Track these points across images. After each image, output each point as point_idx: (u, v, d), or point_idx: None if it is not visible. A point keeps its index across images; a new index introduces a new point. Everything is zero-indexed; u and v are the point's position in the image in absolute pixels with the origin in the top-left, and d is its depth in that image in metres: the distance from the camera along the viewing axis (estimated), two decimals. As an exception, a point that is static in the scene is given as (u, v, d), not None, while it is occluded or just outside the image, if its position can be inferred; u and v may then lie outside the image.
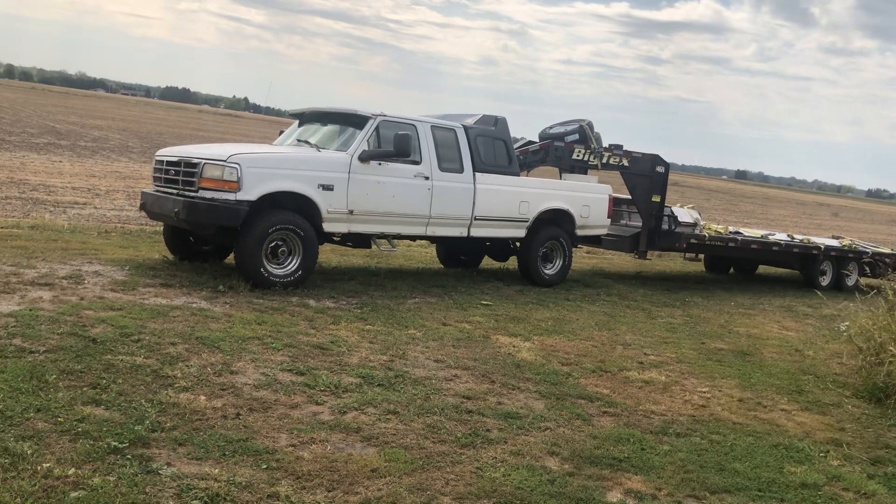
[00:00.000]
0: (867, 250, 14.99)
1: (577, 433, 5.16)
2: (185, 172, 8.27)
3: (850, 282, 14.47)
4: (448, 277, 10.51)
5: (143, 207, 9.09)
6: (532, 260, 10.70)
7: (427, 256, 12.46)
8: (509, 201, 10.28)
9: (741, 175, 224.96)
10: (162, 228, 9.80)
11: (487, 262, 12.05)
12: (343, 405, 5.08)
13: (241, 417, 4.67)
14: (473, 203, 9.87)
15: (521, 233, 10.61)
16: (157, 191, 8.82)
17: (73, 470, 3.72)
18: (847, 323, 8.10)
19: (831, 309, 11.23)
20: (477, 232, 10.10)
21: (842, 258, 14.64)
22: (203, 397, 4.90)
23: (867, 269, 14.28)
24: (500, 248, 11.44)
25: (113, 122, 45.34)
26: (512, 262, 11.56)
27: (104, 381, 4.89)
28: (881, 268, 12.44)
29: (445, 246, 11.60)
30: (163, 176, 8.70)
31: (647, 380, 6.70)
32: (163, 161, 8.78)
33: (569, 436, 5.09)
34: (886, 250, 15.70)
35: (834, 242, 15.24)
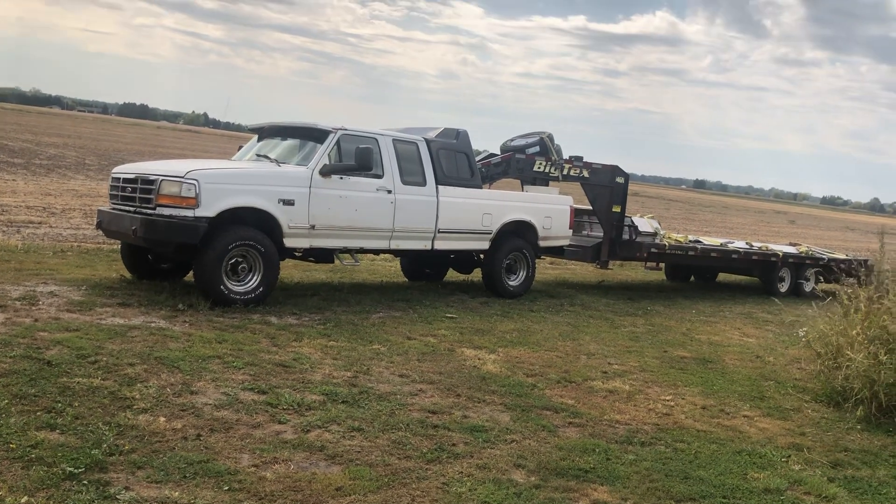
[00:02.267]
0: (823, 257, 15.31)
1: (542, 445, 5.15)
2: (143, 189, 8.13)
3: (808, 288, 14.73)
4: (412, 291, 10.47)
5: (99, 226, 8.92)
6: (496, 272, 10.72)
7: (391, 270, 12.42)
8: (472, 214, 10.30)
9: (700, 184, 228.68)
10: (119, 247, 9.63)
11: (452, 274, 12.04)
12: (306, 423, 5.02)
13: (201, 438, 4.58)
14: (437, 216, 9.86)
15: (485, 245, 10.63)
16: (114, 208, 8.66)
17: (25, 498, 3.60)
18: (805, 328, 8.24)
19: (790, 315, 11.43)
20: (441, 245, 10.10)
21: (799, 265, 14.92)
22: (162, 418, 4.79)
23: (824, 275, 14.58)
24: (464, 260, 11.44)
25: (69, 140, 44.53)
26: (476, 275, 11.56)
27: (59, 405, 4.77)
28: (837, 273, 12.70)
29: (409, 259, 11.57)
30: (119, 193, 8.55)
31: (612, 389, 6.73)
32: (119, 178, 8.62)
33: (535, 448, 5.08)
34: (841, 256, 16.04)
35: (791, 249, 15.53)
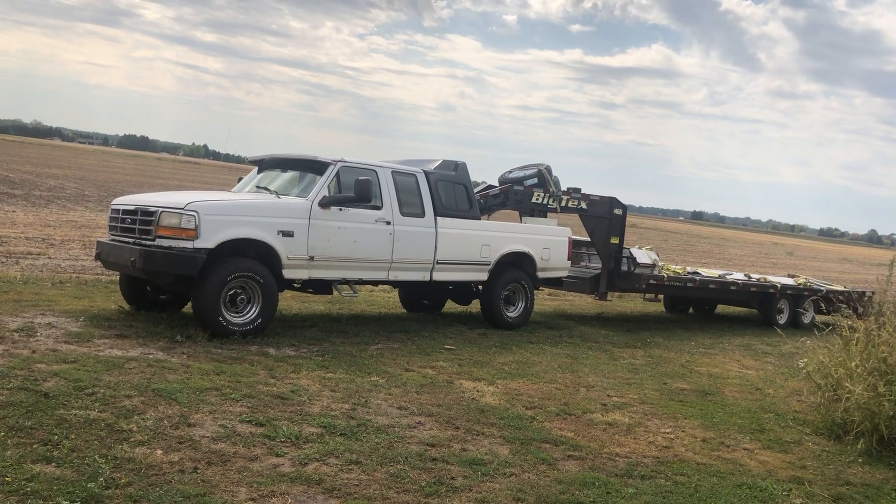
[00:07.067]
0: (821, 288, 15.31)
1: (542, 478, 5.11)
2: (142, 221, 8.16)
3: (807, 319, 14.73)
4: (411, 322, 10.45)
5: (98, 257, 8.93)
6: (495, 303, 10.71)
7: (389, 301, 12.41)
8: (471, 245, 10.33)
9: (697, 216, 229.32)
10: (118, 278, 9.62)
11: (450, 305, 12.03)
12: (304, 456, 4.98)
13: (198, 471, 4.55)
14: (435, 247, 9.89)
15: (484, 276, 10.64)
16: (113, 240, 8.68)
17: (20, 532, 3.57)
18: (805, 360, 8.21)
19: (789, 346, 11.38)
20: (439, 276, 10.10)
21: (798, 296, 14.92)
22: (159, 451, 4.76)
23: (822, 306, 14.57)
24: (462, 291, 11.44)
25: (69, 171, 44.72)
26: (475, 306, 11.55)
27: (56, 438, 4.73)
28: (835, 305, 12.71)
29: (408, 290, 11.57)
30: (119, 225, 8.57)
31: (611, 422, 6.69)
32: (119, 210, 8.66)
33: (534, 481, 5.04)
34: (839, 288, 16.05)
35: (789, 281, 15.54)
